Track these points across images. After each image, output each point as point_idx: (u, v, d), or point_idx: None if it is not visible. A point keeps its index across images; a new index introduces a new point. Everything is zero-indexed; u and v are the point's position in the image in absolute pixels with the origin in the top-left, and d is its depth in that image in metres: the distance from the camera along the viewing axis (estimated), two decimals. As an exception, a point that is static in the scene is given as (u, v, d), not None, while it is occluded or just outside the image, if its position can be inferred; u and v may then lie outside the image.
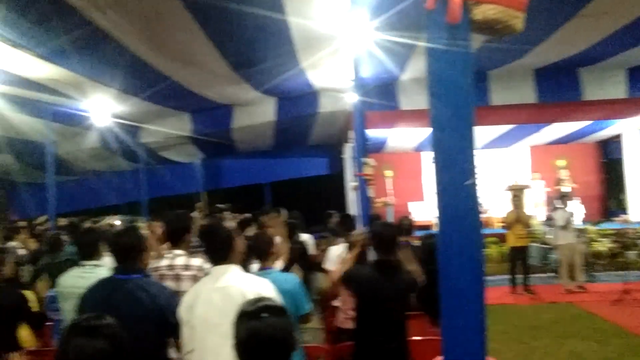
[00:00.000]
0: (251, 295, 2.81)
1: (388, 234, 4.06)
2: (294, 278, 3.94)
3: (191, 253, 4.00)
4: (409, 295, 4.09)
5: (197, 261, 3.86)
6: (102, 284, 3.07)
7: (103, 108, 10.29)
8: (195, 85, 10.15)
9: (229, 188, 17.47)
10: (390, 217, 14.18)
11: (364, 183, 6.01)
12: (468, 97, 2.08)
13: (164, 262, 3.85)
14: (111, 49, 7.44)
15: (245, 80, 9.99)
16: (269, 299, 2.08)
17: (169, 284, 3.72)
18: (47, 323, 4.95)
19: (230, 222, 7.93)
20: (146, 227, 9.98)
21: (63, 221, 10.94)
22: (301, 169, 16.68)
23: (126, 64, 8.07)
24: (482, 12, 2.06)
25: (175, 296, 3.09)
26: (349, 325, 4.58)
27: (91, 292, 3.06)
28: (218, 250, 3.10)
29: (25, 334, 4.80)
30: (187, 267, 3.81)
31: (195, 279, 3.72)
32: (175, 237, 3.99)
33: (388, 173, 15.73)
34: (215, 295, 2.92)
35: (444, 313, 2.12)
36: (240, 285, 2.92)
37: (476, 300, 2.06)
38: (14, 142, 11.72)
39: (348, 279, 4.18)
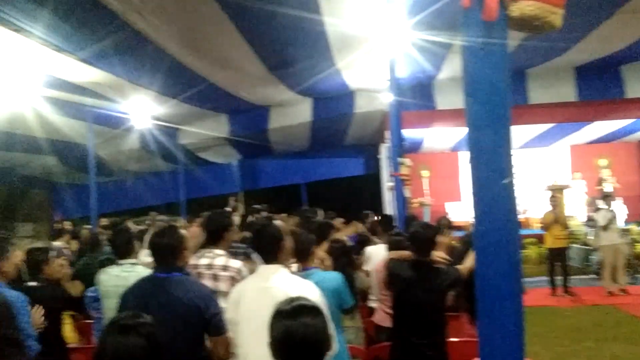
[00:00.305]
0: None
1: (426, 234, 4.06)
2: (336, 276, 3.95)
3: (233, 254, 4.06)
4: (446, 296, 4.08)
5: (237, 263, 3.88)
6: (143, 282, 3.12)
7: (143, 110, 10.51)
8: (232, 86, 10.26)
9: (265, 188, 17.60)
10: (427, 218, 14.08)
11: (400, 183, 5.95)
12: (505, 95, 2.06)
13: (204, 261, 3.87)
14: (150, 51, 7.58)
15: (281, 81, 10.06)
16: (304, 298, 2.09)
17: (207, 282, 3.74)
18: (88, 321, 5.07)
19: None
20: (184, 227, 10.16)
21: (104, 221, 11.18)
22: (337, 169, 16.68)
23: (165, 66, 8.20)
24: (520, 8, 2.03)
25: (213, 295, 3.11)
26: (388, 323, 4.58)
27: (132, 291, 3.10)
28: (267, 249, 3.14)
29: (67, 329, 4.94)
30: (225, 267, 3.82)
31: (233, 280, 3.74)
32: (215, 237, 3.99)
33: (425, 173, 15.63)
34: (259, 295, 2.94)
35: (480, 314, 2.10)
36: (284, 287, 2.91)
37: (514, 301, 2.03)
38: (57, 144, 12.01)
39: (389, 274, 4.22)
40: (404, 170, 5.98)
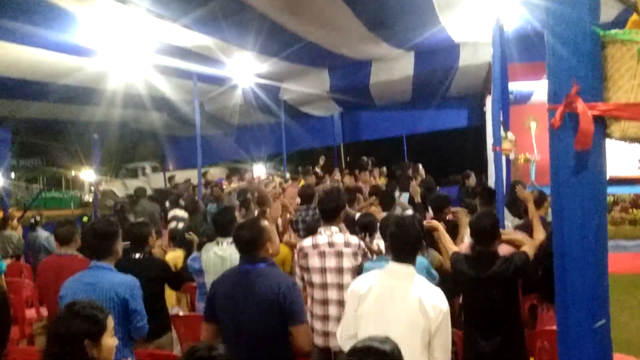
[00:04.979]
0: (428, 304, 2.77)
1: (485, 224, 3.84)
2: (421, 260, 3.90)
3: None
4: (515, 286, 3.87)
5: (355, 239, 4.07)
6: (230, 274, 3.24)
7: (245, 69, 10.76)
8: (332, 44, 10.18)
9: (366, 141, 17.53)
10: (533, 175, 13.54)
11: (500, 158, 5.61)
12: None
13: (322, 239, 4.03)
14: (250, 15, 7.63)
15: (381, 39, 9.84)
16: (378, 339, 2.06)
17: (331, 260, 3.96)
18: (192, 284, 5.34)
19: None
20: (278, 184, 10.40)
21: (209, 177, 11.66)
22: (440, 122, 16.02)
23: (265, 28, 8.24)
24: (621, 129, 1.79)
25: (295, 286, 3.14)
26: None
27: (221, 281, 3.24)
28: (404, 249, 3.00)
29: (170, 293, 5.23)
30: (347, 244, 4.00)
31: (354, 255, 3.95)
32: (330, 215, 4.16)
33: (532, 125, 14.83)
34: (392, 293, 2.88)
35: (557, 280, 1.91)
36: (418, 292, 2.83)
37: (596, 264, 1.83)
38: (165, 101, 12.54)
39: (452, 269, 4.13)
40: (506, 145, 5.61)
